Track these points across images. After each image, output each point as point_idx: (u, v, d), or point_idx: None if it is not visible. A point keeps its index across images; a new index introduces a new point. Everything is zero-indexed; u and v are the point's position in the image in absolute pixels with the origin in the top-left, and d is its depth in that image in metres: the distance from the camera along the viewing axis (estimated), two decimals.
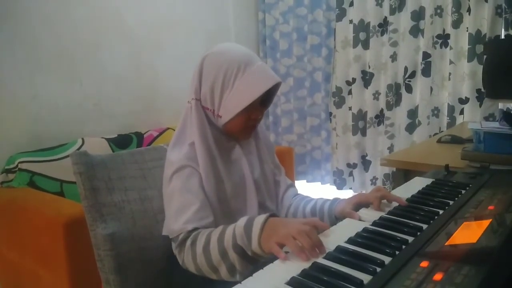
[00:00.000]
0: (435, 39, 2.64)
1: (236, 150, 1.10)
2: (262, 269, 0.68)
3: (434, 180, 1.14)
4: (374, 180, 3.07)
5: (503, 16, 2.36)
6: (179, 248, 0.95)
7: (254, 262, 0.86)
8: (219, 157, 1.05)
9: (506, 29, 2.37)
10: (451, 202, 0.94)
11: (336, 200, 1.14)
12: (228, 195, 1.05)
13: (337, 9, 3.01)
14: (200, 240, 0.91)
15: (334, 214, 1.10)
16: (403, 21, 2.75)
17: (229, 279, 0.88)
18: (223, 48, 1.06)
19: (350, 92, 3.07)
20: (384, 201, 1.00)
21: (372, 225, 0.84)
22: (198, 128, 1.03)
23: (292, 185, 1.26)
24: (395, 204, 0.98)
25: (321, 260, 0.68)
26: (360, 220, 0.91)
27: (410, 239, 0.74)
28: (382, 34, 2.88)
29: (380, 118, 2.99)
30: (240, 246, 0.85)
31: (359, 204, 1.03)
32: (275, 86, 1.05)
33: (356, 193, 1.13)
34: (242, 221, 0.88)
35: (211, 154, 1.04)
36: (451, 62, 2.59)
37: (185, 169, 1.01)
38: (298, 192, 1.26)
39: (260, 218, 0.85)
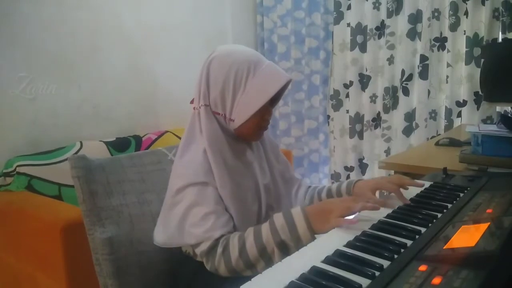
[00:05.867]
0: (433, 42, 2.65)
1: (248, 153, 1.09)
2: (261, 273, 0.68)
3: (432, 183, 1.14)
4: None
5: (500, 19, 2.38)
6: (207, 256, 0.94)
7: (290, 252, 0.87)
8: (234, 162, 1.03)
9: (503, 32, 2.38)
10: (449, 205, 0.94)
11: (352, 181, 1.17)
12: (245, 197, 1.04)
13: (334, 13, 3.01)
14: (233, 245, 0.91)
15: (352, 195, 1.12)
16: (400, 24, 2.76)
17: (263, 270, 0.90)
18: (227, 50, 1.03)
19: (347, 95, 3.07)
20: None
21: (370, 228, 0.84)
22: (208, 136, 1.01)
23: (302, 180, 1.28)
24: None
25: (319, 264, 0.68)
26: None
27: (409, 242, 0.74)
28: (379, 37, 2.89)
29: (377, 121, 2.99)
30: (281, 239, 0.88)
31: (378, 190, 1.05)
32: (285, 84, 1.03)
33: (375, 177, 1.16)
34: (277, 216, 0.91)
35: (225, 161, 1.01)
36: (448, 65, 2.60)
37: (201, 185, 0.97)
38: (308, 185, 1.29)
39: (296, 209, 0.91)
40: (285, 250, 0.89)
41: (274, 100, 1.07)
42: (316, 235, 0.88)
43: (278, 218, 0.91)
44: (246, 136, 1.07)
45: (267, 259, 0.90)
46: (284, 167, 1.23)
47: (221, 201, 0.98)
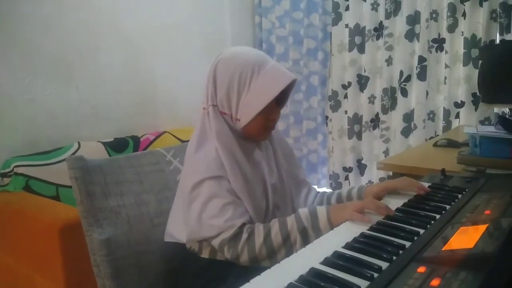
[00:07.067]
0: (431, 43, 2.65)
1: (257, 152, 1.11)
2: (259, 275, 0.68)
3: (430, 184, 1.14)
4: (369, 184, 3.07)
5: (498, 20, 2.38)
6: (229, 244, 0.95)
7: (309, 241, 0.91)
8: (243, 160, 1.05)
9: (501, 34, 2.38)
10: (447, 207, 0.94)
11: (363, 186, 1.22)
12: (255, 194, 1.06)
13: (333, 13, 3.02)
14: (259, 232, 0.95)
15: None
16: (399, 25, 2.76)
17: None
18: (234, 52, 1.07)
19: (346, 96, 3.07)
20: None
21: (369, 230, 0.84)
22: (217, 135, 1.04)
23: (312, 186, 1.30)
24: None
25: (318, 266, 0.68)
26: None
27: (407, 244, 0.74)
28: (377, 38, 2.89)
29: (375, 122, 2.99)
30: (304, 226, 0.95)
31: (389, 191, 1.09)
32: (290, 84, 1.05)
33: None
34: (302, 209, 0.99)
35: (235, 158, 1.04)
36: (446, 66, 2.60)
37: (216, 178, 1.00)
38: (318, 190, 1.30)
39: (320, 206, 1.02)
40: (305, 238, 0.94)
41: (280, 100, 1.09)
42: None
43: (303, 210, 0.98)
44: (252, 136, 1.09)
45: (288, 247, 0.94)
46: (295, 169, 1.24)
47: (235, 194, 1.01)
